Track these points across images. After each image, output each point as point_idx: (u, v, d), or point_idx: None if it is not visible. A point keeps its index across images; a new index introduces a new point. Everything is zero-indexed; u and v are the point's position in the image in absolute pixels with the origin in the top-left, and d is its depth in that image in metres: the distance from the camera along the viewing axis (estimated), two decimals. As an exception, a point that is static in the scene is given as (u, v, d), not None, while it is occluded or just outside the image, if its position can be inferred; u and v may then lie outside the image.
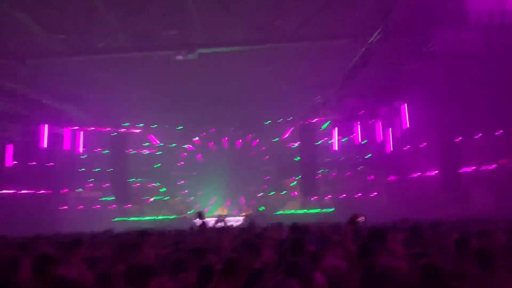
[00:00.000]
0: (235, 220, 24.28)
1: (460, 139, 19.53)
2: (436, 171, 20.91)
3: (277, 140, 29.40)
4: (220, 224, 20.96)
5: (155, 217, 26.82)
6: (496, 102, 16.29)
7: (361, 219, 4.95)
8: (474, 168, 19.20)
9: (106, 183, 26.69)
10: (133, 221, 25.33)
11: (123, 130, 26.90)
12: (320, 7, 15.05)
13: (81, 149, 23.74)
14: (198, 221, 13.40)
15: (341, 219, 6.84)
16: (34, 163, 21.21)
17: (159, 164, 29.61)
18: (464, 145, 19.53)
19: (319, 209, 25.94)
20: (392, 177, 23.96)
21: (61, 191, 25.02)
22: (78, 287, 3.29)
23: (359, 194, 25.88)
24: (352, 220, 4.95)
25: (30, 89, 18.99)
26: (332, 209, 25.38)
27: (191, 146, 30.42)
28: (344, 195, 26.27)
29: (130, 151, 27.69)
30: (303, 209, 27.05)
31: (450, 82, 17.24)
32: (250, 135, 29.75)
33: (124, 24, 16.31)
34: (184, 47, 16.32)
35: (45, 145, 20.26)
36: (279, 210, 27.43)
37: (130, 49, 17.64)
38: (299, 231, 7.98)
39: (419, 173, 22.04)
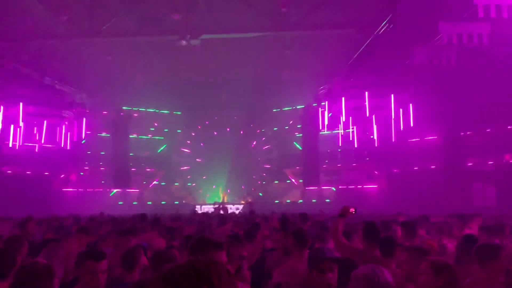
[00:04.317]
0: (235, 208, 24.34)
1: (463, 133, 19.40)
2: (438, 165, 20.82)
3: (281, 129, 29.23)
4: (221, 211, 21.00)
5: (156, 202, 26.77)
6: (500, 99, 16.12)
7: (351, 210, 4.88)
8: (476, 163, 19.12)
9: (108, 167, 26.67)
10: (134, 205, 25.33)
11: (126, 114, 26.82)
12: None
13: (83, 132, 23.66)
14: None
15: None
16: (36, 144, 21.14)
17: (164, 146, 29.63)
18: (468, 140, 19.39)
19: (320, 199, 25.87)
20: (394, 170, 23.83)
21: (62, 173, 25.04)
22: None
23: (360, 186, 25.79)
24: (343, 212, 4.88)
25: (33, 71, 18.92)
26: (329, 200, 25.35)
27: (194, 132, 30.37)
28: (346, 186, 26.17)
29: (133, 136, 27.64)
30: (303, 199, 26.96)
31: (456, 76, 17.01)
32: (253, 123, 29.56)
33: (128, 7, 16.18)
34: (189, 32, 16.19)
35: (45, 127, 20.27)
36: (280, 199, 27.41)
37: (134, 33, 17.52)
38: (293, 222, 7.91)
39: (421, 167, 21.92)
